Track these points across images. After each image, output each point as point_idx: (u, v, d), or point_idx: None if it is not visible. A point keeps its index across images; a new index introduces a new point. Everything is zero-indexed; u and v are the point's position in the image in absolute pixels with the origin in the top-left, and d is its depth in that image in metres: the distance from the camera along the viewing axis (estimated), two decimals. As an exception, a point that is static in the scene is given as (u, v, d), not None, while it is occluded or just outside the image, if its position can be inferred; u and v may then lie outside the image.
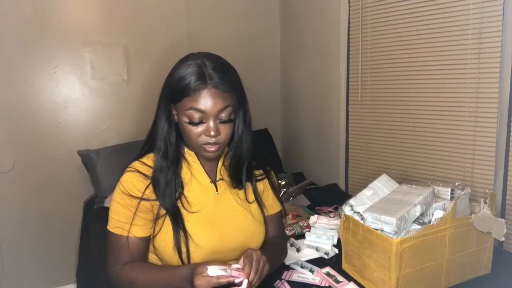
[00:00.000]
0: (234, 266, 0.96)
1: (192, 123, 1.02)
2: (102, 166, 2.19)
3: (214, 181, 1.14)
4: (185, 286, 0.97)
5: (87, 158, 2.24)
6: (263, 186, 1.22)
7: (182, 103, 1.02)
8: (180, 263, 1.05)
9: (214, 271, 0.93)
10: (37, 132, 2.24)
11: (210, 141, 1.03)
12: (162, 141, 1.08)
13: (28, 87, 2.19)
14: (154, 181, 1.06)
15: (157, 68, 2.40)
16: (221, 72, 1.02)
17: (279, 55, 2.86)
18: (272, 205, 1.24)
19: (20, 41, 2.15)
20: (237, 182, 1.16)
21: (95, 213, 2.10)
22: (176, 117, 1.07)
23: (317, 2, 2.38)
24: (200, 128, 1.02)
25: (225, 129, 1.04)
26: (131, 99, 2.42)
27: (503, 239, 1.16)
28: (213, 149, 1.04)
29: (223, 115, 1.03)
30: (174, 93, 1.04)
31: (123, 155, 2.27)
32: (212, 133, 1.01)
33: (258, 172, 1.21)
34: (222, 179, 1.16)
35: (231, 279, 0.92)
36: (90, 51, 2.30)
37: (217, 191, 1.14)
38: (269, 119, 2.85)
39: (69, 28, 2.24)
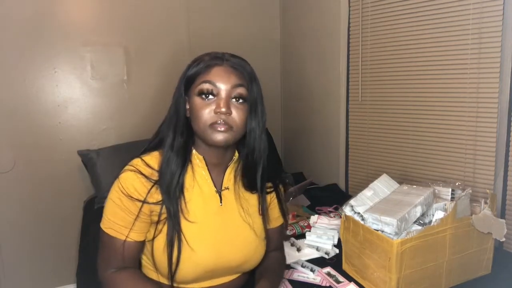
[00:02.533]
0: None
1: (202, 96, 0.96)
2: (102, 166, 2.18)
3: (219, 191, 1.07)
4: None
5: (87, 158, 2.23)
6: (270, 199, 1.16)
7: (196, 83, 0.98)
8: (167, 269, 0.98)
9: None
10: (37, 132, 2.24)
11: (219, 120, 0.95)
12: (172, 131, 1.02)
13: (28, 87, 2.19)
14: (161, 172, 0.99)
15: (157, 68, 2.40)
16: (239, 60, 1.02)
17: (279, 55, 2.86)
18: (276, 219, 1.19)
19: (20, 41, 2.14)
20: (250, 186, 1.09)
21: (95, 213, 2.09)
22: (188, 111, 1.01)
23: (317, 2, 2.38)
24: (210, 106, 0.96)
25: (237, 111, 0.97)
26: (131, 99, 2.42)
27: (504, 239, 1.16)
28: (223, 128, 0.95)
29: (237, 92, 0.97)
30: (188, 77, 1.00)
31: (123, 155, 2.26)
32: (223, 108, 0.94)
33: (268, 184, 1.14)
34: (227, 188, 1.08)
35: None
36: (90, 51, 2.30)
37: (221, 202, 1.06)
38: (269, 119, 2.80)
39: (69, 28, 2.24)
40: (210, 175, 1.06)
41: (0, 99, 2.14)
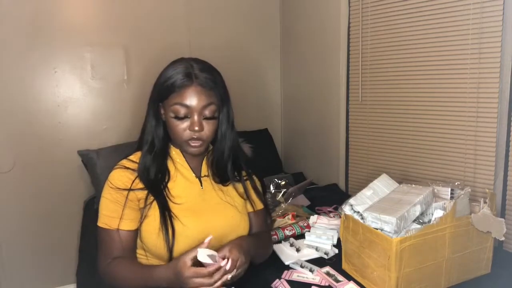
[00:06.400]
0: (221, 253, 1.01)
1: (177, 117, 1.09)
2: (102, 166, 2.18)
3: (198, 176, 1.21)
4: (165, 285, 1.00)
5: (87, 158, 2.23)
6: (246, 185, 1.29)
7: (169, 100, 1.10)
8: (165, 248, 1.07)
9: (203, 254, 0.95)
10: (37, 132, 2.24)
11: (194, 136, 1.10)
12: (150, 136, 1.17)
13: (28, 87, 2.19)
14: (140, 172, 1.12)
15: (157, 68, 2.35)
16: (206, 73, 1.11)
17: (279, 55, 2.86)
18: (255, 201, 1.30)
19: (20, 41, 2.15)
20: (220, 178, 1.22)
21: (95, 213, 2.09)
22: (163, 115, 1.14)
23: (317, 2, 2.38)
24: (185, 123, 1.09)
25: (208, 126, 1.11)
26: (131, 99, 2.42)
27: (503, 238, 1.16)
28: (197, 144, 1.11)
29: (207, 112, 1.10)
30: (162, 91, 1.12)
31: (123, 155, 2.28)
32: (196, 128, 1.08)
33: (243, 173, 1.29)
34: (207, 175, 1.22)
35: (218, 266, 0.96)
36: (90, 51, 2.30)
37: (201, 186, 1.20)
38: (269, 119, 2.86)
39: (69, 28, 2.24)
40: (189, 165, 1.21)
41: (0, 99, 2.14)
